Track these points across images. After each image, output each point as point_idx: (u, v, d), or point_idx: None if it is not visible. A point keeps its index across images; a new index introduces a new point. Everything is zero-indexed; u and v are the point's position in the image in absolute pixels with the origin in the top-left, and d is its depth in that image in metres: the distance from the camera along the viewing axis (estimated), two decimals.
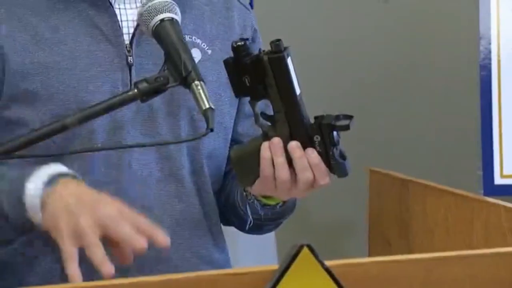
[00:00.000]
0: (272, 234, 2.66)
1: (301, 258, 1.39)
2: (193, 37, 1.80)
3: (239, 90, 1.70)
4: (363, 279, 1.40)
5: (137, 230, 1.62)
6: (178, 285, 1.38)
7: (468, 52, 2.74)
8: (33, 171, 1.68)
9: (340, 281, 1.37)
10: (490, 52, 2.62)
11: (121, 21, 1.83)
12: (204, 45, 1.82)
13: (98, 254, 1.58)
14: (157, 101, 1.70)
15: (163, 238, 1.61)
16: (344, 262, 1.41)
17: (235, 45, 1.67)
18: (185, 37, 1.68)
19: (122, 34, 1.80)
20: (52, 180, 1.66)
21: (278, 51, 1.64)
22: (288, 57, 1.64)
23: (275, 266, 1.38)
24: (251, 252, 2.44)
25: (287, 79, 1.66)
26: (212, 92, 1.65)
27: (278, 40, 1.66)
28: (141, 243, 1.60)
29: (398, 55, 3.46)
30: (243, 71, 1.69)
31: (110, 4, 1.79)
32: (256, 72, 1.68)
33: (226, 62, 1.68)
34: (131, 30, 1.79)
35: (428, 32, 3.43)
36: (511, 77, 2.64)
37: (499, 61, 2.63)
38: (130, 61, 1.79)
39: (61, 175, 1.67)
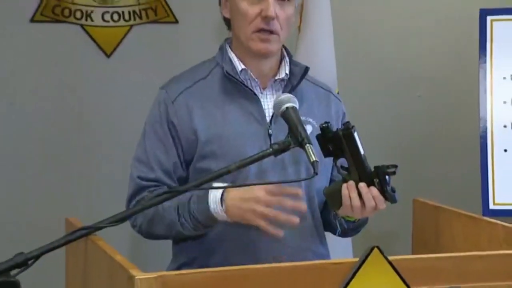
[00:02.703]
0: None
1: (372, 256, 1.35)
2: (307, 118, 1.80)
3: (326, 153, 1.71)
4: (419, 271, 1.40)
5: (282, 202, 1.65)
6: (301, 269, 1.37)
7: (474, 127, 2.78)
8: (207, 193, 1.69)
9: (404, 277, 1.35)
10: (486, 127, 2.68)
11: (265, 108, 1.83)
12: (313, 123, 1.82)
13: (280, 213, 1.64)
14: (285, 156, 1.69)
15: (303, 206, 1.69)
16: (406, 257, 1.42)
17: (321, 126, 1.71)
18: (301, 118, 1.67)
19: (265, 116, 1.82)
20: (222, 195, 1.68)
21: (348, 129, 1.67)
22: (354, 132, 1.67)
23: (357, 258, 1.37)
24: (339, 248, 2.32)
25: (355, 145, 1.67)
26: (317, 151, 1.65)
27: (348, 122, 1.70)
28: (293, 219, 1.63)
29: (423, 130, 3.36)
30: (328, 142, 1.70)
31: (258, 98, 1.83)
32: (336, 142, 1.69)
33: (317, 137, 1.70)
34: (271, 113, 1.81)
35: (451, 114, 3.34)
36: (499, 143, 2.68)
37: (492, 133, 2.68)
38: (270, 132, 1.80)
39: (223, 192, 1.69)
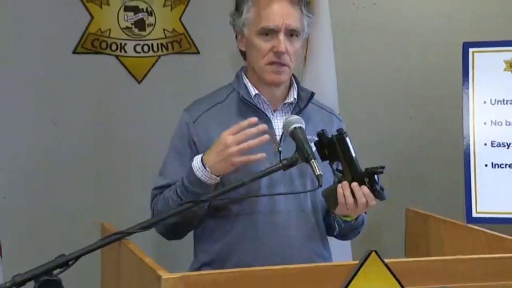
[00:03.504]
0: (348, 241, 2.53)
1: (370, 259, 1.35)
2: (312, 137, 1.75)
3: (323, 158, 1.70)
4: (414, 273, 1.40)
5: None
6: (307, 270, 1.39)
7: (458, 144, 2.72)
8: (192, 169, 1.67)
9: (398, 278, 1.34)
10: (469, 145, 2.65)
11: (275, 128, 1.82)
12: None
13: (251, 142, 1.63)
14: (293, 170, 1.70)
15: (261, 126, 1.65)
16: (400, 260, 1.43)
17: (318, 133, 1.69)
18: (308, 137, 1.66)
19: (275, 135, 1.81)
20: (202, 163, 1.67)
21: (341, 134, 1.67)
22: (346, 137, 1.66)
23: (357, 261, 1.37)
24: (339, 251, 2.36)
25: (347, 149, 1.66)
26: (321, 164, 1.65)
27: (341, 129, 1.68)
28: (260, 127, 1.63)
29: (419, 145, 3.33)
30: (324, 147, 1.69)
31: (270, 120, 1.82)
32: (331, 146, 1.68)
33: (315, 143, 1.69)
34: (280, 133, 1.81)
35: (439, 131, 3.30)
36: (481, 159, 2.64)
37: (474, 150, 2.64)
38: (280, 149, 1.79)
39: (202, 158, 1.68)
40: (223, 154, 1.63)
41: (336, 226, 1.83)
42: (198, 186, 1.67)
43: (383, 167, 1.62)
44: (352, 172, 1.65)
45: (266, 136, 1.65)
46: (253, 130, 1.63)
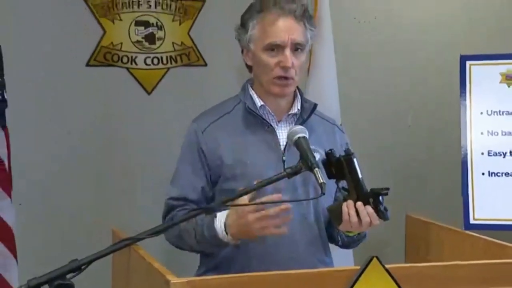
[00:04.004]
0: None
1: (372, 265, 1.35)
2: (316, 147, 1.76)
3: (330, 176, 1.70)
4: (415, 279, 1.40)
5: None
6: (309, 275, 1.39)
7: (456, 154, 2.74)
8: (214, 220, 1.68)
9: (399, 282, 1.34)
10: (466, 154, 2.67)
11: (280, 138, 1.82)
12: (321, 151, 1.79)
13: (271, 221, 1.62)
14: (296, 178, 1.68)
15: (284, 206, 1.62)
16: (400, 266, 1.42)
17: (326, 152, 1.71)
18: (311, 146, 1.65)
19: (280, 145, 1.81)
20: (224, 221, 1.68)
21: (349, 155, 1.67)
22: (354, 158, 1.66)
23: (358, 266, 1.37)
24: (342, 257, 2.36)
25: (354, 170, 1.66)
26: (324, 174, 1.64)
27: (349, 149, 1.70)
28: (282, 207, 1.59)
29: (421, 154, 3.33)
30: (331, 166, 1.69)
31: (274, 130, 1.82)
32: (338, 166, 1.68)
33: (323, 162, 1.69)
34: (284, 143, 1.80)
35: (441, 140, 3.29)
36: (478, 167, 2.66)
37: (471, 159, 2.66)
38: (284, 158, 1.79)
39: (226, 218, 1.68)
40: (245, 230, 1.64)
41: (339, 239, 1.84)
42: (219, 243, 1.69)
43: (387, 189, 1.62)
44: (357, 192, 1.65)
45: (287, 206, 1.63)
46: (276, 210, 1.61)
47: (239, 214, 1.62)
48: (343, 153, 1.69)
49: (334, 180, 1.69)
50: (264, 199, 1.62)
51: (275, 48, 1.76)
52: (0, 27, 2.56)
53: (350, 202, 1.65)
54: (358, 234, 1.79)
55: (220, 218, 1.67)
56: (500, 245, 1.77)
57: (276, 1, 1.77)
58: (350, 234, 1.78)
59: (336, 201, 1.75)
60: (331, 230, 1.85)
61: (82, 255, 1.39)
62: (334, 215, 1.71)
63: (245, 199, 1.59)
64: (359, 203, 1.64)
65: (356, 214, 1.64)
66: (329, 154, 1.68)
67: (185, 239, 1.75)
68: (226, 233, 1.65)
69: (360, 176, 1.65)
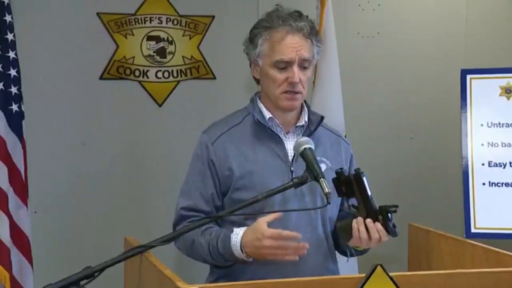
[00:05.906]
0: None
1: (376, 273, 1.34)
2: (322, 158, 1.77)
3: (340, 193, 1.69)
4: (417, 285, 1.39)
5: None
6: (316, 283, 1.37)
7: (457, 164, 2.76)
8: (230, 236, 1.67)
9: None
10: (467, 165, 2.68)
11: (287, 149, 1.80)
12: (327, 162, 1.80)
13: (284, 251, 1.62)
14: (303, 188, 1.69)
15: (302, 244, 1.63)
16: (403, 274, 1.41)
17: (336, 171, 1.69)
18: (317, 157, 1.66)
19: (288, 156, 1.79)
20: (241, 238, 1.67)
21: (358, 174, 1.64)
22: (364, 176, 1.64)
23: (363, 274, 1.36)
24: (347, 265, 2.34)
25: (364, 188, 1.64)
26: (330, 185, 1.63)
27: (358, 168, 1.66)
28: (297, 236, 1.59)
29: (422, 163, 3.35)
30: (341, 184, 1.68)
31: (282, 141, 1.81)
32: (348, 184, 1.66)
33: (333, 180, 1.67)
34: (292, 154, 1.78)
35: (441, 153, 3.31)
36: (479, 178, 2.67)
37: (472, 169, 2.67)
38: (292, 169, 1.77)
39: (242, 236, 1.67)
40: (260, 252, 1.63)
41: (348, 253, 1.84)
42: (233, 258, 1.68)
43: (396, 206, 1.61)
44: (367, 209, 1.64)
45: (305, 245, 1.62)
46: (292, 245, 1.60)
47: (257, 236, 1.61)
48: (348, 165, 1.68)
49: (344, 197, 1.69)
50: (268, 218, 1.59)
51: (283, 64, 1.75)
52: (20, 43, 2.59)
53: (360, 219, 1.64)
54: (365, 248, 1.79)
55: (237, 234, 1.66)
56: (500, 253, 1.74)
57: (285, 18, 1.76)
58: (359, 249, 1.78)
59: (345, 219, 1.73)
60: (338, 241, 1.82)
61: (95, 262, 1.39)
62: (344, 232, 1.71)
63: (264, 220, 1.59)
64: (369, 220, 1.63)
65: (366, 231, 1.63)
66: (339, 174, 1.66)
67: (199, 252, 1.73)
68: (241, 251, 1.64)
69: (369, 194, 1.63)
